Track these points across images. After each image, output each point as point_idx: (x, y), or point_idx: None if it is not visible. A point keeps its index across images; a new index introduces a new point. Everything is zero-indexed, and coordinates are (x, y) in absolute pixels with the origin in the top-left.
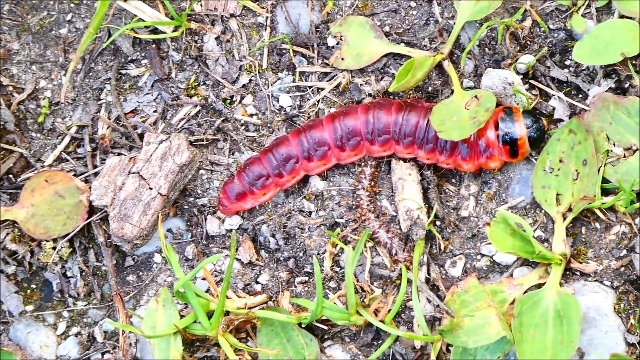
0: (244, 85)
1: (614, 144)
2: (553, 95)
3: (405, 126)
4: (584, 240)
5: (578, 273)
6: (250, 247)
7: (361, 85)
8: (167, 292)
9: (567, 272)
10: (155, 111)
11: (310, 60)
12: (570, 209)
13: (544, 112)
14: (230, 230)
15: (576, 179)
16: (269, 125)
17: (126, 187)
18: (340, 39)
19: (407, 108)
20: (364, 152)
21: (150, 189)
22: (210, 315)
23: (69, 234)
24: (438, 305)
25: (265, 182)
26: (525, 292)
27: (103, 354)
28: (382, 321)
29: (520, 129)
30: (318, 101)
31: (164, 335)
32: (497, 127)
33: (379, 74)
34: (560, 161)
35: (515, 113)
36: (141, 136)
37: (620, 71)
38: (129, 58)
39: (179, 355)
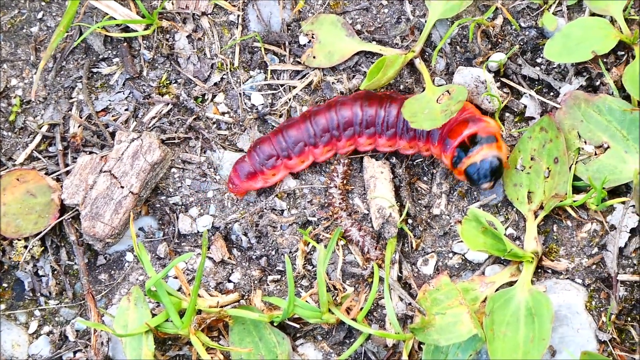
0: (215, 84)
1: (585, 142)
2: (524, 93)
3: (388, 118)
4: (555, 238)
5: (550, 271)
6: (223, 245)
7: (333, 83)
8: (138, 291)
9: (539, 270)
10: (126, 109)
11: (282, 58)
12: (541, 207)
13: (516, 110)
14: (209, 229)
15: (547, 177)
16: (240, 123)
17: (98, 186)
18: (312, 37)
19: (388, 100)
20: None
21: (122, 187)
22: (182, 313)
23: (40, 232)
24: (410, 304)
25: (275, 162)
26: (497, 290)
27: (75, 352)
28: (354, 319)
29: (468, 161)
30: (290, 99)
31: (135, 334)
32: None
33: (350, 72)
34: (531, 159)
35: (479, 146)
36: (113, 135)
37: (592, 69)
38: (101, 56)
39: (150, 354)
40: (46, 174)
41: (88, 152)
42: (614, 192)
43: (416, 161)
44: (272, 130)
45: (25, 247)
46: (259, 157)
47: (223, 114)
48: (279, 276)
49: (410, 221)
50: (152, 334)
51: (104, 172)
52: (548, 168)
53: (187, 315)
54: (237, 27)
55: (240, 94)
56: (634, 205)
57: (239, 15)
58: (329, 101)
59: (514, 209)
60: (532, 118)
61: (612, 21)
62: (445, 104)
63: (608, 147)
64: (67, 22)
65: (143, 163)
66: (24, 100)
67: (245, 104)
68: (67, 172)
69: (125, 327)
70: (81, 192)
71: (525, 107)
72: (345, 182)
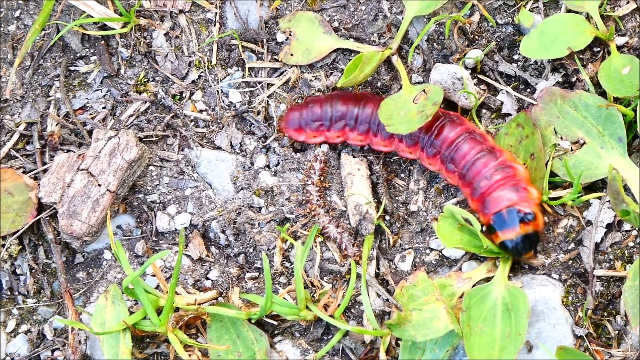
0: (193, 81)
1: (562, 138)
2: (501, 89)
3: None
4: None
5: (526, 266)
6: (200, 243)
7: (311, 80)
8: (116, 289)
9: (516, 266)
10: (104, 107)
11: (260, 56)
12: None
13: (492, 106)
14: (187, 226)
15: None
16: (218, 121)
17: (75, 184)
18: (290, 35)
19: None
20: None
21: (99, 185)
22: (159, 311)
23: (18, 231)
24: (387, 300)
25: (319, 127)
26: (473, 286)
27: (53, 351)
28: (331, 316)
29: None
30: (268, 97)
31: (112, 331)
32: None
33: (328, 69)
34: None
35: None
36: (90, 133)
37: (568, 65)
38: (78, 54)
39: (128, 351)
40: (24, 172)
41: (66, 151)
42: (590, 188)
43: (393, 158)
44: (329, 94)
45: (3, 245)
46: (307, 116)
47: (201, 111)
48: (257, 273)
49: (387, 218)
50: (130, 332)
51: (81, 170)
52: (524, 164)
53: (165, 312)
54: (214, 25)
55: (217, 91)
56: (609, 201)
57: (216, 13)
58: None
59: None
60: (509, 114)
61: (588, 17)
62: (421, 104)
63: (584, 143)
64: (43, 20)
65: (120, 161)
66: (1, 99)
67: (222, 101)
68: (45, 171)
69: (103, 325)
70: (58, 191)
71: (502, 103)
72: (322, 179)
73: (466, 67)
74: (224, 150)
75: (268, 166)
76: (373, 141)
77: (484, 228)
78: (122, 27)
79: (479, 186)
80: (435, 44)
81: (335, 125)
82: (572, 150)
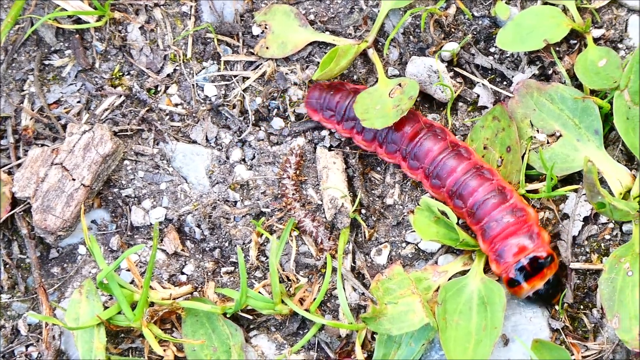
0: (168, 75)
1: (538, 131)
2: (477, 82)
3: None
4: None
5: None
6: (176, 237)
7: (286, 74)
8: (90, 284)
9: None
10: (79, 102)
11: (235, 49)
12: None
13: (469, 99)
14: (162, 221)
15: (500, 166)
16: (194, 114)
17: (49, 179)
18: (265, 28)
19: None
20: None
21: (73, 180)
22: (134, 306)
23: None
24: (363, 294)
25: (330, 117)
26: (449, 279)
27: (27, 346)
28: (307, 310)
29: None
30: (243, 90)
31: (86, 327)
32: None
33: (304, 62)
34: (484, 148)
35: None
36: (65, 127)
37: (544, 58)
38: (52, 48)
39: (102, 346)
40: None
41: (40, 145)
42: (567, 181)
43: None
44: (350, 89)
45: None
46: (324, 102)
47: (176, 105)
48: (232, 268)
49: (363, 211)
50: (104, 327)
51: (56, 164)
52: (501, 157)
53: (139, 307)
54: (189, 18)
55: (193, 85)
56: (585, 194)
57: (191, 6)
58: None
59: None
60: (485, 107)
61: (564, 10)
62: (397, 98)
63: (560, 135)
64: (16, 13)
65: (95, 155)
66: None
67: (198, 95)
68: (19, 165)
69: (77, 320)
70: (32, 185)
71: (478, 96)
72: (298, 172)
73: (442, 60)
74: (199, 144)
75: (244, 160)
76: (378, 151)
77: (503, 281)
78: (97, 21)
79: (490, 227)
80: (411, 36)
81: (345, 124)
82: (548, 143)
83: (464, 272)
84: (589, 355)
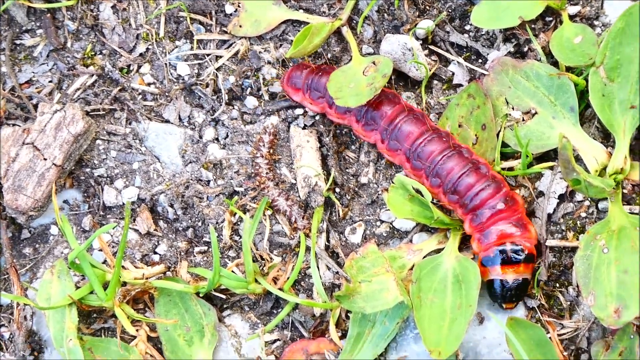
0: (141, 54)
1: (513, 108)
2: (452, 60)
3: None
4: None
5: None
6: (148, 217)
7: (260, 52)
8: (62, 264)
9: (467, 238)
10: (50, 81)
11: (208, 27)
12: None
13: (444, 77)
14: (134, 200)
15: (475, 144)
16: (166, 94)
17: (20, 158)
18: (238, 6)
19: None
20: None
21: (45, 159)
22: (106, 286)
23: None
24: (337, 272)
25: (318, 99)
26: (424, 257)
27: None
28: (281, 289)
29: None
30: (216, 69)
31: (58, 306)
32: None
33: (277, 41)
34: (459, 126)
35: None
36: (36, 107)
37: (520, 35)
38: (24, 28)
39: (73, 326)
40: None
41: (11, 125)
42: (543, 159)
43: (344, 130)
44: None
45: None
46: (311, 84)
47: (149, 84)
48: (205, 247)
49: (337, 190)
50: (76, 307)
51: (27, 144)
52: (476, 135)
53: (111, 287)
54: None
55: (166, 64)
56: (561, 171)
57: None
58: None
59: None
60: (460, 85)
61: None
62: (371, 76)
63: (536, 113)
64: None
65: (66, 135)
66: None
67: (171, 74)
68: None
69: (48, 300)
70: (3, 165)
71: (453, 74)
72: (272, 151)
73: (417, 38)
74: (172, 123)
75: (217, 139)
76: (379, 147)
77: (475, 252)
78: (69, 0)
79: (481, 214)
80: (385, 14)
81: (339, 108)
82: (523, 120)
83: (438, 251)
84: (564, 333)
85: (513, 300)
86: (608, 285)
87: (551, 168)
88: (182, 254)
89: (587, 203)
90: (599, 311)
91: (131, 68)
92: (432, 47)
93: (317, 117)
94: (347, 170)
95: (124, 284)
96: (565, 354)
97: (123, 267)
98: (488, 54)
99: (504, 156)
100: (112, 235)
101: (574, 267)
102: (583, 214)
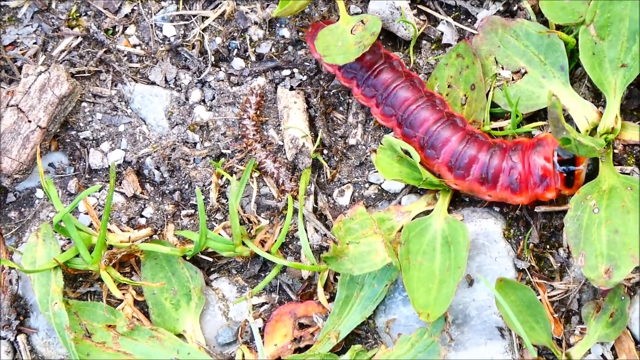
0: (126, 15)
1: (503, 68)
2: (441, 19)
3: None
4: None
5: (467, 199)
6: (135, 180)
7: (246, 13)
8: (47, 227)
9: (456, 199)
10: (35, 43)
11: None
12: None
13: (433, 37)
14: (120, 163)
15: (464, 104)
16: (152, 55)
17: (4, 121)
18: None
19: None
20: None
21: (30, 121)
22: (92, 249)
23: None
24: (325, 235)
25: (352, 79)
26: (413, 219)
27: None
28: (268, 252)
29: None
30: (202, 30)
31: (43, 269)
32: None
33: (264, 1)
34: (448, 86)
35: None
36: (21, 69)
37: None
38: None
39: (59, 289)
40: None
41: None
42: (533, 119)
43: (332, 91)
44: (379, 53)
45: None
46: None
47: (134, 46)
48: (192, 210)
49: (325, 152)
50: (62, 271)
51: (11, 106)
52: (465, 95)
53: (97, 249)
54: None
55: (151, 25)
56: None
57: None
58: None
59: None
60: (449, 45)
61: None
62: (359, 35)
63: (525, 72)
64: None
65: (51, 96)
66: None
67: (156, 35)
68: None
69: (34, 263)
70: None
71: (442, 34)
72: (258, 113)
73: None
74: (158, 85)
75: (203, 101)
76: (396, 131)
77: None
78: None
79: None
80: None
81: (366, 90)
82: (513, 80)
83: (427, 212)
84: (555, 295)
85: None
86: (598, 245)
87: (541, 128)
88: (169, 217)
89: None
90: (589, 272)
91: (116, 29)
92: (420, 6)
93: (305, 78)
94: (335, 131)
95: (110, 247)
96: (555, 315)
97: (109, 230)
98: (477, 13)
99: (494, 116)
100: (98, 199)
101: (564, 228)
102: None
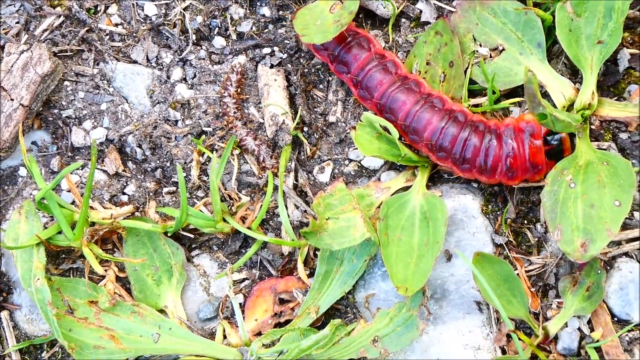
0: None
1: (481, 45)
2: None
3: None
4: None
5: (446, 175)
6: (117, 157)
7: None
8: (30, 204)
9: (435, 175)
10: (17, 22)
11: None
12: None
13: (411, 15)
14: (102, 141)
15: (443, 81)
16: (134, 34)
17: None
18: None
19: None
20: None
21: (12, 100)
22: (74, 226)
23: None
24: (305, 211)
25: (341, 70)
26: (392, 195)
27: None
28: (249, 228)
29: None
30: (184, 9)
31: (26, 246)
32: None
33: None
34: (427, 64)
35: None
36: (3, 48)
37: None
38: None
39: (41, 266)
40: None
41: None
42: (511, 96)
43: (312, 69)
44: (375, 51)
45: None
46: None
47: (116, 25)
48: (174, 188)
49: (306, 129)
50: (44, 247)
51: None
52: (443, 72)
53: (79, 226)
54: None
55: (133, 4)
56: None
57: None
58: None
59: None
60: (428, 23)
61: None
62: (337, 14)
63: (503, 49)
64: None
65: (33, 75)
66: None
67: (138, 14)
68: None
69: (16, 240)
70: None
71: (421, 12)
72: (239, 90)
73: None
74: (139, 64)
75: (185, 79)
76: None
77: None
78: None
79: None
80: None
81: (362, 93)
82: (491, 57)
83: (406, 188)
84: (532, 270)
85: None
86: (575, 219)
87: (519, 105)
88: (151, 194)
89: None
90: (565, 246)
91: (98, 8)
92: None
93: (285, 57)
94: (315, 109)
95: (93, 224)
96: (533, 289)
97: (91, 207)
98: None
99: (472, 93)
100: (80, 177)
101: (541, 203)
102: None
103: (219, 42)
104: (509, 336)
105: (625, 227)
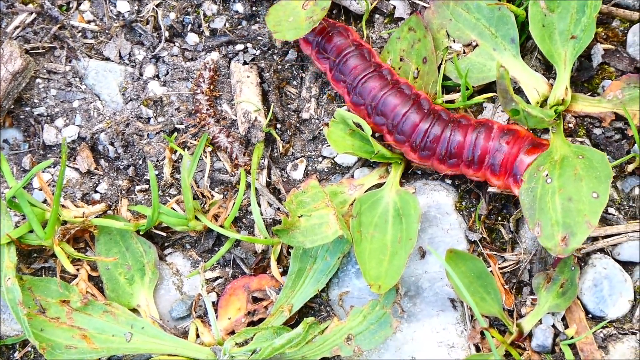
0: None
1: (454, 41)
2: None
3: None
4: None
5: (419, 172)
6: (89, 155)
7: None
8: (0, 203)
9: (409, 172)
10: None
11: None
12: None
13: (385, 11)
14: (75, 139)
15: (417, 77)
16: (107, 31)
17: None
18: None
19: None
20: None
21: None
22: (45, 225)
23: None
24: (278, 209)
25: (324, 61)
26: (365, 192)
27: None
28: (221, 226)
29: None
30: (156, 6)
31: None
32: None
33: None
34: (400, 60)
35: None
36: None
37: None
38: None
39: (12, 265)
40: None
41: None
42: (485, 92)
43: (286, 65)
44: (357, 44)
45: None
46: (320, 43)
47: (88, 22)
48: (146, 186)
49: (279, 126)
50: (15, 246)
51: None
52: (417, 68)
53: (50, 225)
54: None
55: (105, 1)
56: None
57: None
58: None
59: None
60: (402, 19)
61: None
62: (310, 10)
63: (477, 45)
64: None
65: (4, 73)
66: None
67: (111, 11)
68: None
69: None
70: None
71: (395, 8)
72: (212, 88)
73: None
74: (112, 61)
75: (157, 76)
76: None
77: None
78: None
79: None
80: None
81: (336, 75)
82: (464, 52)
83: (380, 185)
84: (506, 266)
85: None
86: (554, 214)
87: (492, 100)
88: (123, 192)
89: None
90: (546, 241)
91: (71, 5)
92: None
93: (258, 53)
94: (288, 106)
95: (64, 222)
96: (506, 286)
97: (63, 206)
98: None
99: (446, 89)
100: (52, 175)
101: (520, 201)
102: None
103: (192, 38)
104: (483, 333)
105: (603, 222)
